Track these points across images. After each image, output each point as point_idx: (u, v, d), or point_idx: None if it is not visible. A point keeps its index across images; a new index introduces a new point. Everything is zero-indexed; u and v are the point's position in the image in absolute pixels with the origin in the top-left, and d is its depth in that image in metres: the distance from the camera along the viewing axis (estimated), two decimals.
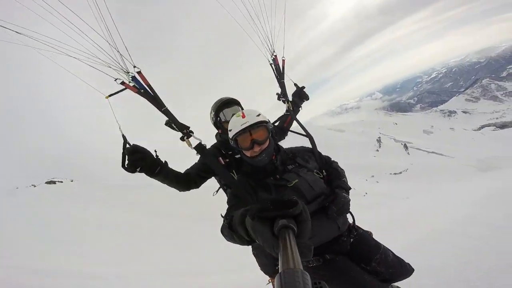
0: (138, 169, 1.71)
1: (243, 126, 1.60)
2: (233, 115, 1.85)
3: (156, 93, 1.84)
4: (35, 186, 17.80)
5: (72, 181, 19.37)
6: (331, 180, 1.76)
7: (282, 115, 2.42)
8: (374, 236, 1.84)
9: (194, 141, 1.90)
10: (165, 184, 1.92)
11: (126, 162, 1.71)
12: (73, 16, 1.57)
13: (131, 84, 1.80)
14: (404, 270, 1.64)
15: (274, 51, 2.40)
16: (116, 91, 1.80)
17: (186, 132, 1.88)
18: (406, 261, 1.70)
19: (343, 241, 1.67)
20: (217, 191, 2.17)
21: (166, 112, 1.86)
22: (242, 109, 2.25)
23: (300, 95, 2.44)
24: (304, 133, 2.16)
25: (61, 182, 18.78)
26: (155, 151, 1.80)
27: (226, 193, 2.06)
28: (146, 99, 1.83)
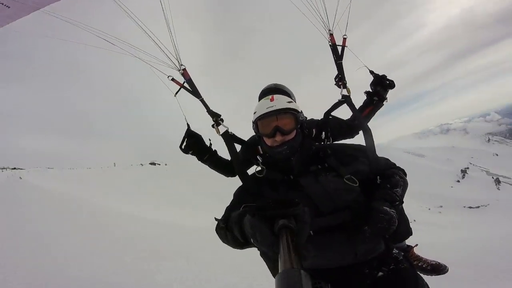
0: (190, 152, 2.02)
1: (268, 110, 1.41)
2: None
3: (195, 86, 2.07)
4: (142, 165, 28.77)
5: (166, 164, 29.31)
6: (375, 190, 1.37)
7: (354, 110, 1.97)
8: None
9: (222, 129, 1.96)
10: (213, 170, 2.15)
11: (184, 144, 2.01)
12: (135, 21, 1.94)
13: (181, 81, 2.06)
14: None
15: (330, 30, 2.13)
16: (173, 88, 2.08)
17: (216, 120, 1.95)
18: None
19: (362, 273, 1.30)
20: None
21: (203, 101, 2.04)
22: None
23: (382, 84, 2.07)
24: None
25: (159, 164, 29.74)
26: (209, 140, 2.06)
27: None
28: (188, 91, 2.08)
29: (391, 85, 2.09)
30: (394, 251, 1.41)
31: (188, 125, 2.04)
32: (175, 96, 2.08)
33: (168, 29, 2.00)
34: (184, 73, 2.08)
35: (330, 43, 2.15)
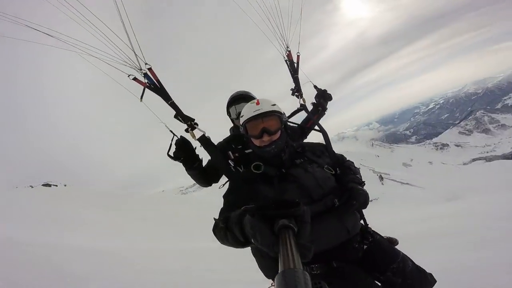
0: (180, 160, 1.93)
1: (255, 113, 1.52)
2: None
3: (164, 87, 1.91)
4: (32, 187, 22.91)
5: (65, 185, 24.12)
6: (342, 177, 1.62)
7: (307, 116, 2.34)
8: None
9: (198, 133, 1.90)
10: (193, 179, 2.08)
11: (173, 150, 1.91)
12: (89, 18, 1.67)
13: (145, 80, 1.88)
14: (424, 281, 1.48)
15: (288, 47, 2.35)
16: (136, 90, 1.90)
17: (190, 124, 1.89)
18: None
19: (354, 248, 1.50)
20: (223, 185, 2.00)
21: (173, 104, 1.89)
22: None
23: (325, 96, 2.44)
24: (318, 128, 2.06)
25: (56, 186, 24.02)
26: (195, 148, 1.97)
27: None
28: (155, 93, 1.90)
29: (330, 97, 2.49)
30: (368, 227, 1.65)
31: (172, 131, 1.94)
32: (141, 101, 1.91)
33: (121, 21, 1.72)
34: (151, 73, 1.89)
35: (286, 59, 2.39)
